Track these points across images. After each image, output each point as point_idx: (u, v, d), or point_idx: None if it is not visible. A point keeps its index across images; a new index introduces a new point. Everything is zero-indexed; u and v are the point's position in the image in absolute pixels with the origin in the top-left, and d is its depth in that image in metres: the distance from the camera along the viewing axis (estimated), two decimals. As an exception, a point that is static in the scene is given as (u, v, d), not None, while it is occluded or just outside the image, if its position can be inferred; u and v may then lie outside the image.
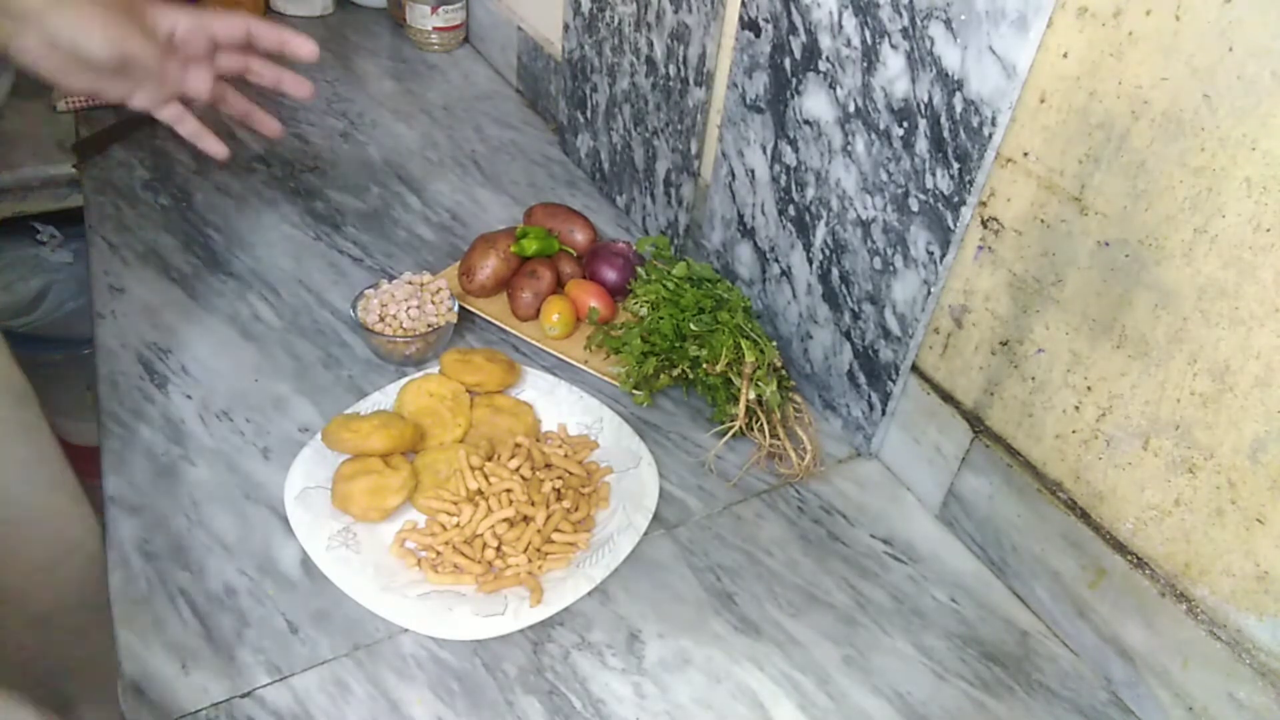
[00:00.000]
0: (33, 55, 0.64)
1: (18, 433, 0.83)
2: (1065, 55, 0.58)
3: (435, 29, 1.44)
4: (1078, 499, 0.65)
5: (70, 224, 1.40)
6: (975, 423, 0.72)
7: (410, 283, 0.88)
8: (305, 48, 0.78)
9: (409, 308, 0.85)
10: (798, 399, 0.83)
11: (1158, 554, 0.60)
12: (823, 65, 0.74)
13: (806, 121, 0.77)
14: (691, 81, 0.93)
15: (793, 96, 0.78)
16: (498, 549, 0.68)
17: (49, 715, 0.49)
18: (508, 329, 0.90)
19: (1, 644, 0.84)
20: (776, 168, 0.82)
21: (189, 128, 0.79)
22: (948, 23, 0.62)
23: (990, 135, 0.62)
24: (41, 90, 1.25)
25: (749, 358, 0.78)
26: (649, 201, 1.07)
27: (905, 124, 0.68)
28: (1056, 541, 0.67)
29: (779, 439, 0.78)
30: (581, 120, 1.17)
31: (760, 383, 0.78)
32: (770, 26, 0.78)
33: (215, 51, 0.77)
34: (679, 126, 0.96)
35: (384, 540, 0.69)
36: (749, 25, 0.81)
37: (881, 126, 0.70)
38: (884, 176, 0.71)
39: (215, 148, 0.80)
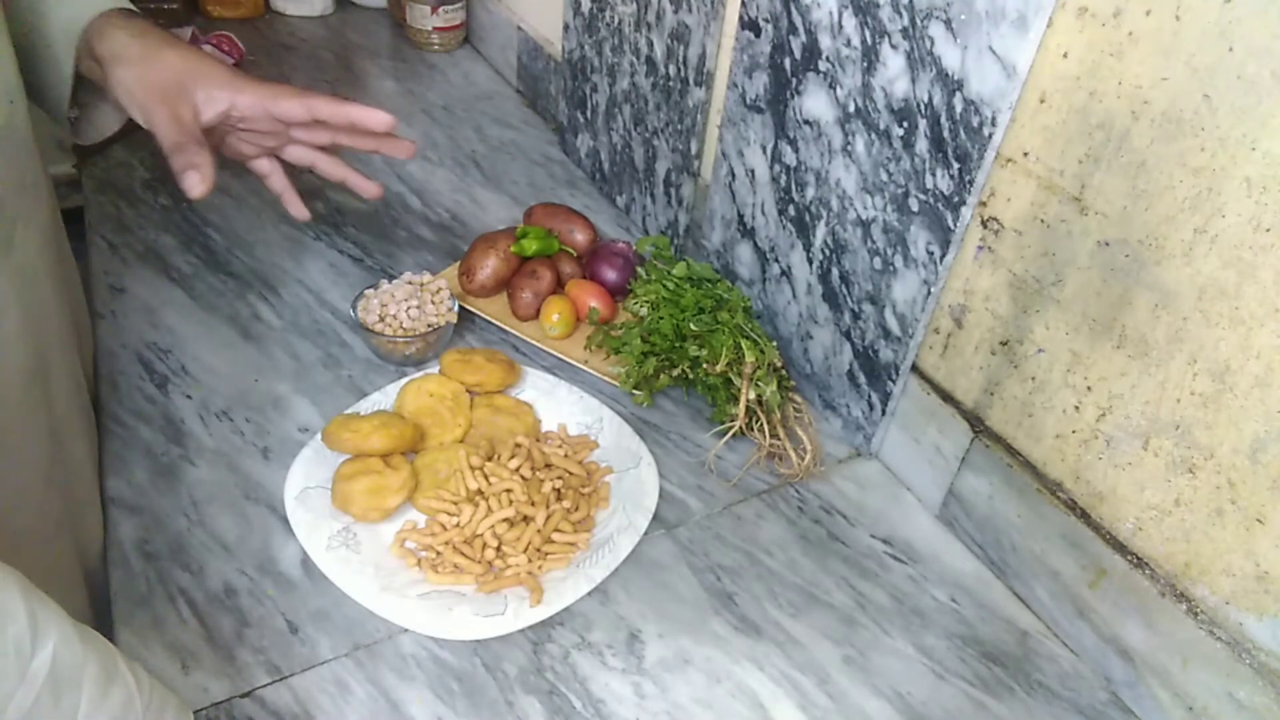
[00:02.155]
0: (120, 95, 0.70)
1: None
2: (1065, 55, 0.58)
3: (435, 29, 1.44)
4: (1078, 499, 0.65)
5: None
6: (975, 423, 0.72)
7: (410, 283, 0.88)
8: (374, 118, 0.75)
9: (409, 308, 0.84)
10: (798, 399, 0.83)
11: (1158, 554, 0.60)
12: (823, 65, 0.74)
13: (806, 121, 0.77)
14: (691, 81, 0.93)
15: (793, 96, 0.78)
16: (498, 549, 0.68)
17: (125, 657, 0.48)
18: (508, 329, 0.90)
19: None
20: (776, 168, 0.82)
21: (277, 183, 0.78)
22: (948, 23, 0.62)
23: (990, 135, 0.62)
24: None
25: (749, 358, 0.78)
26: (649, 201, 1.07)
27: (905, 124, 0.68)
28: (1056, 541, 0.67)
29: (779, 439, 0.78)
30: (581, 120, 1.17)
31: (760, 383, 0.78)
32: (770, 26, 0.78)
33: (287, 127, 0.77)
34: (679, 126, 0.96)
35: (384, 540, 0.69)
36: (749, 25, 0.81)
37: (881, 126, 0.70)
38: (884, 176, 0.71)
39: (297, 210, 0.79)
